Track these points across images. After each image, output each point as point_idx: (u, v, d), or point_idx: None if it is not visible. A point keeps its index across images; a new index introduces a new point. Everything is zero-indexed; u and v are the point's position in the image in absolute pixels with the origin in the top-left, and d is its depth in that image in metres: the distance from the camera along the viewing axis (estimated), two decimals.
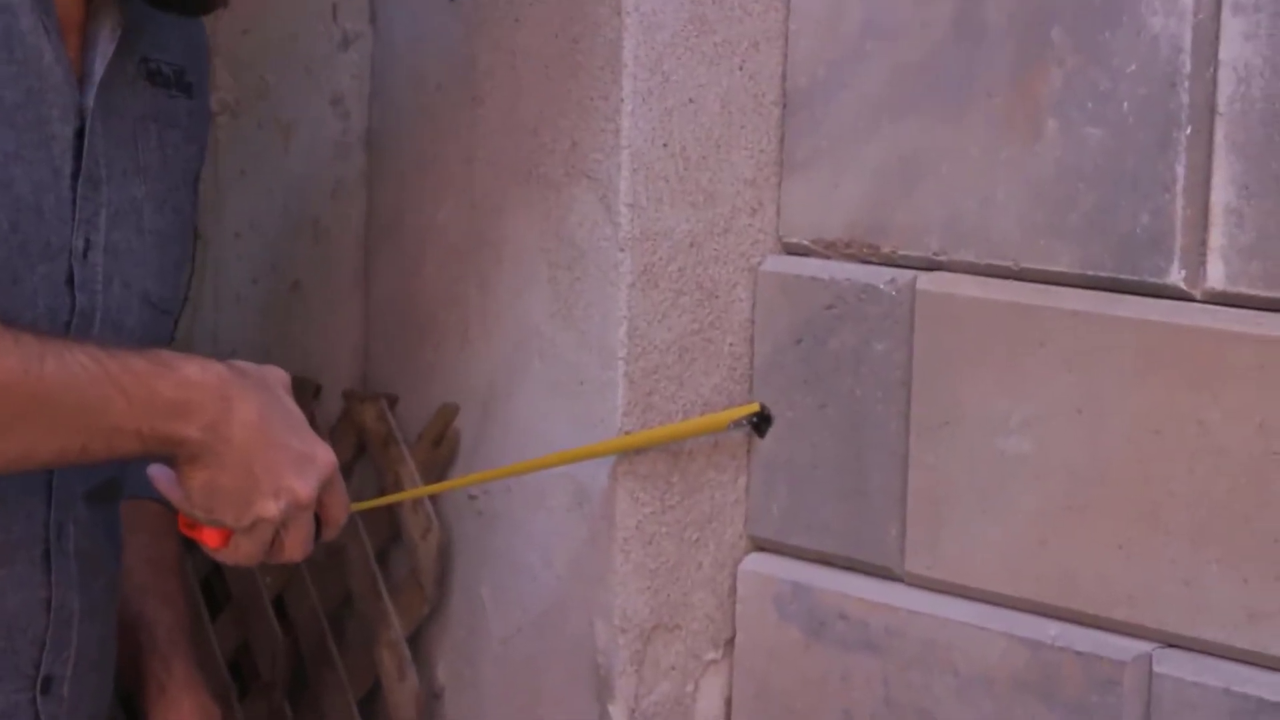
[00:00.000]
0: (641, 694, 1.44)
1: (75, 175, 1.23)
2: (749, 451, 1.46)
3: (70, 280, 1.21)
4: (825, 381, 1.40)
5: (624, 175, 1.33)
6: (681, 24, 1.36)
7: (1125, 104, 1.23)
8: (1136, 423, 1.25)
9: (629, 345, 1.37)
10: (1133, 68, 1.22)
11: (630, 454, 1.42)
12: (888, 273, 1.36)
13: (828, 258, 1.41)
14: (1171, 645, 1.21)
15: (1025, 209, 1.29)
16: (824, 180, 1.42)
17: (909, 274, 1.34)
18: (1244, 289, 1.19)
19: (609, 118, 1.33)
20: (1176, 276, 1.20)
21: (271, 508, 1.17)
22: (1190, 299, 1.20)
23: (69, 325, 1.23)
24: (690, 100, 1.37)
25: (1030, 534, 1.30)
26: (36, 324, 1.19)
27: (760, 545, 1.48)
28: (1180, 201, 1.20)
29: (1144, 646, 1.21)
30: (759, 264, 1.43)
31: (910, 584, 1.35)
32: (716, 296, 1.40)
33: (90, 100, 1.26)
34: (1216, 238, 1.20)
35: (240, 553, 1.22)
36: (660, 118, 1.34)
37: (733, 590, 1.47)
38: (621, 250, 1.34)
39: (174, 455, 1.19)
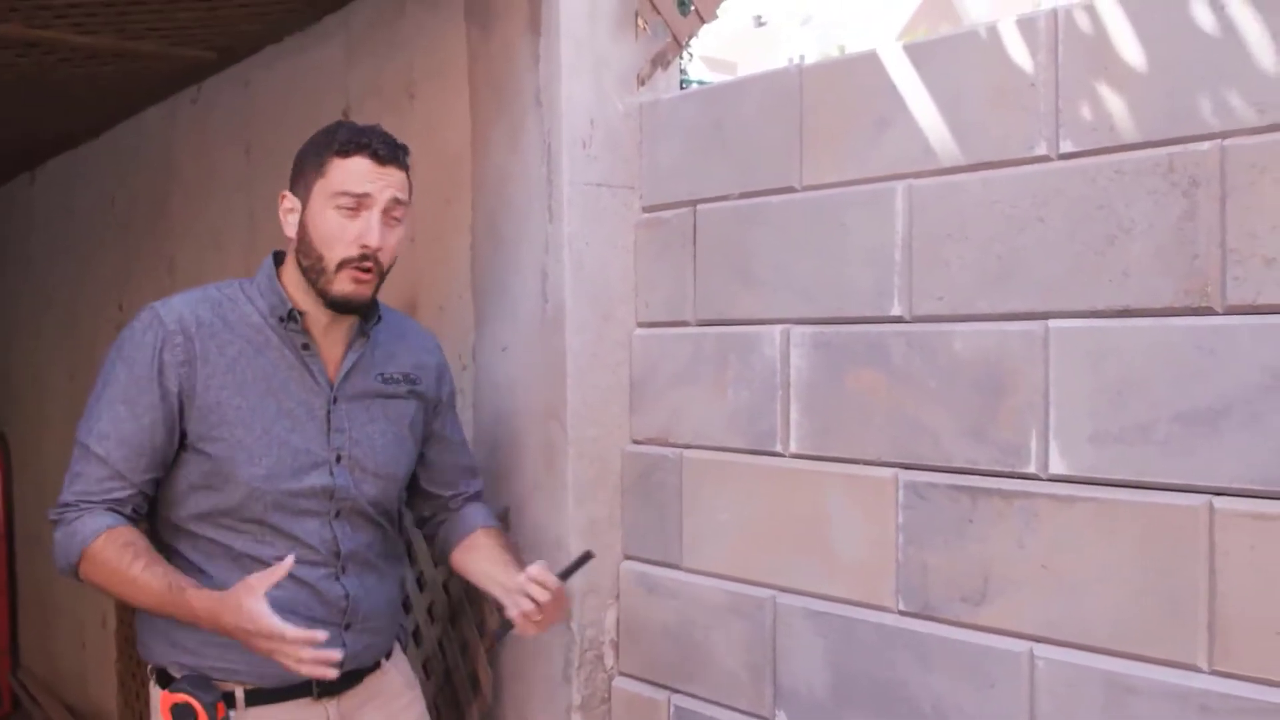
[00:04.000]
0: (585, 619, 2.19)
1: (329, 427, 1.80)
2: (621, 521, 2.21)
3: (330, 472, 1.79)
4: (652, 494, 2.18)
5: (570, 414, 2.16)
6: (592, 352, 2.16)
7: (757, 381, 1.98)
8: (765, 509, 1.98)
9: (573, 488, 2.16)
10: (759, 367, 1.98)
11: (581, 524, 2.10)
12: (672, 450, 2.14)
13: (651, 446, 2.18)
14: (786, 592, 1.91)
15: (720, 423, 2.04)
16: (648, 414, 2.21)
17: (680, 450, 2.13)
18: (806, 451, 1.89)
19: (564, 400, 2.16)
20: (780, 447, 1.94)
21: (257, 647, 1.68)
22: (784, 456, 1.93)
23: (332, 492, 1.77)
24: (592, 391, 2.17)
25: (731, 551, 2.01)
26: (315, 495, 1.73)
27: (629, 556, 2.21)
28: (778, 419, 1.94)
29: (770, 592, 1.93)
30: (624, 448, 2.21)
31: (685, 571, 2.11)
32: (607, 462, 2.22)
33: (336, 393, 1.82)
34: (794, 431, 1.92)
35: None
36: (583, 397, 2.17)
37: (618, 575, 2.23)
38: (569, 445, 2.16)
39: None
